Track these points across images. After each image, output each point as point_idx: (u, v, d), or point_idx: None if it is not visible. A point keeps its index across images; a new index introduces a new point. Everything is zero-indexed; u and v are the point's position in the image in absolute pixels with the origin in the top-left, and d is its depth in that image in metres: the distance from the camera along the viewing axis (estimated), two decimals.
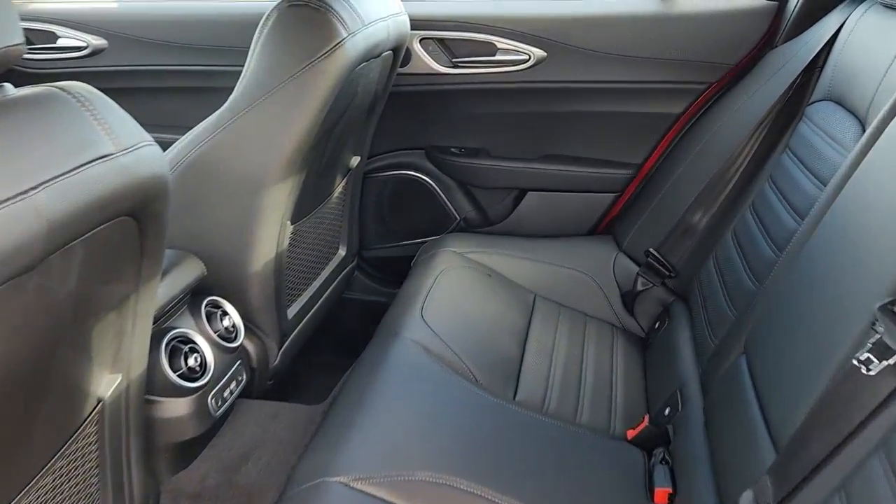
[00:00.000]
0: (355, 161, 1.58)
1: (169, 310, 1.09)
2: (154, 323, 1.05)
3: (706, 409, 1.14)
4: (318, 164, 1.31)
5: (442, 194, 1.83)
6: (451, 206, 1.84)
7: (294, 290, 1.41)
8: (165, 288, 1.07)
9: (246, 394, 1.28)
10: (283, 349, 1.34)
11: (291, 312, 1.39)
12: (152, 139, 0.71)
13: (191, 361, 1.06)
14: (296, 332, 1.41)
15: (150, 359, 1.00)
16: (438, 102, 1.71)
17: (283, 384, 1.46)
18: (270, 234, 1.21)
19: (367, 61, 1.25)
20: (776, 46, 1.49)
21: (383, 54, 1.36)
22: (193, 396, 1.05)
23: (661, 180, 1.60)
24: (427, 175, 1.82)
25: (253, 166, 1.13)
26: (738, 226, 1.33)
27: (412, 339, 1.30)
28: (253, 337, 1.28)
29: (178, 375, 1.04)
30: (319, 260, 1.54)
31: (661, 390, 1.32)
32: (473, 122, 1.72)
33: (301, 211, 1.34)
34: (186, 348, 1.07)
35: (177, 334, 1.08)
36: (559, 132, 1.70)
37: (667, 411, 1.24)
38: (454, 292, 1.47)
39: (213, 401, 1.10)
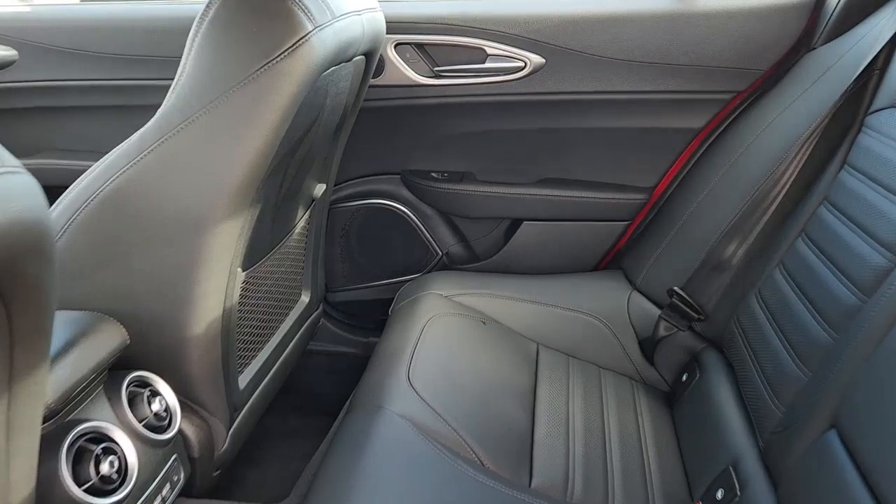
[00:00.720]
0: (320, 190, 1.32)
1: (75, 397, 0.80)
2: (51, 418, 0.76)
3: (783, 496, 0.90)
4: (275, 195, 1.05)
5: (421, 226, 1.58)
6: (431, 240, 1.59)
7: (246, 352, 1.13)
8: (69, 368, 0.79)
9: (185, 491, 0.99)
10: (232, 429, 1.06)
11: (244, 381, 1.10)
12: (20, 165, 0.45)
13: (104, 468, 0.78)
14: (249, 404, 1.13)
15: (44, 470, 0.72)
16: (417, 119, 1.46)
17: (234, 471, 1.17)
18: (216, 286, 0.94)
19: (337, 65, 0.99)
20: (814, 48, 1.28)
21: (355, 58, 1.10)
22: None
23: (680, 206, 1.38)
24: (403, 204, 1.57)
25: (190, 201, 0.86)
26: (788, 259, 1.11)
27: (399, 412, 1.03)
28: (193, 418, 0.99)
29: (87, 489, 0.75)
30: (278, 311, 1.26)
31: (706, 465, 1.07)
32: (458, 141, 1.48)
33: (255, 254, 1.07)
34: (99, 449, 0.79)
35: (85, 430, 0.79)
36: (559, 152, 1.46)
37: (719, 494, 1.00)
38: (445, 348, 1.21)
39: None
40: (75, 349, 0.82)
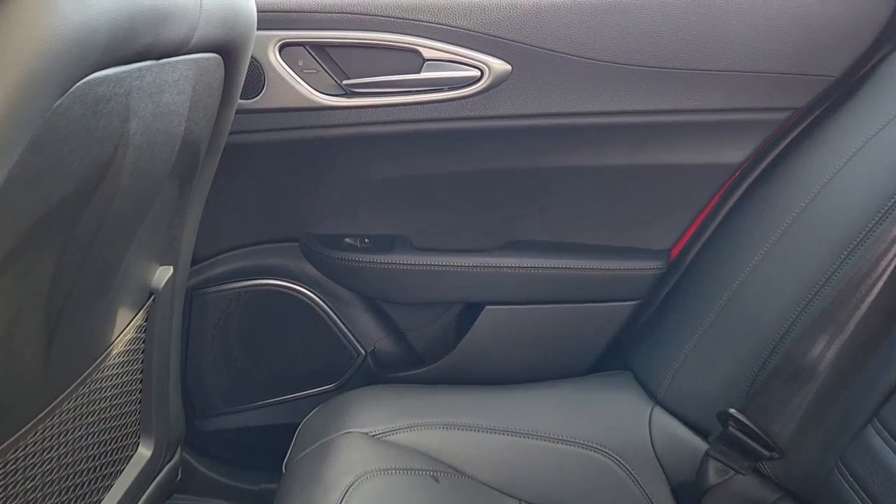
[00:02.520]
0: (164, 276, 0.84)
1: None
2: None
3: None
4: (41, 305, 0.56)
5: (333, 315, 1.13)
6: (349, 334, 1.14)
7: None
8: None
9: None
10: None
11: None
12: None
13: None
14: None
15: None
16: (319, 159, 1.02)
17: None
18: None
19: (140, 60, 0.53)
20: None
21: (195, 55, 0.64)
22: None
23: (718, 277, 0.97)
24: (305, 284, 1.13)
25: None
26: None
27: None
28: None
29: None
30: (82, 494, 0.76)
31: None
32: (382, 191, 1.05)
33: (5, 420, 0.56)
34: None
35: None
36: (535, 203, 1.05)
37: None
38: None
39: None
40: None
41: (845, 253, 0.81)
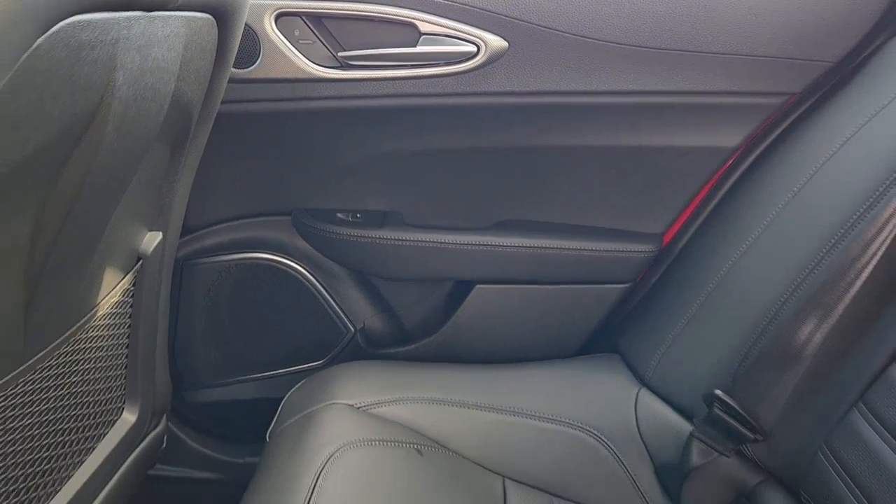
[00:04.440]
0: (153, 241, 0.83)
1: None
2: None
3: None
4: (20, 260, 0.55)
5: (323, 290, 1.12)
6: (338, 311, 1.13)
7: None
8: None
9: None
10: None
11: None
12: None
13: None
14: None
15: None
16: (313, 132, 1.00)
17: None
18: None
19: (127, 10, 0.53)
20: None
21: (187, 13, 0.64)
22: None
23: (709, 262, 0.96)
24: (296, 258, 1.11)
25: None
26: None
27: None
28: None
29: None
30: (65, 453, 0.76)
31: None
32: (376, 166, 1.02)
33: None
34: None
35: None
36: (529, 183, 1.02)
37: None
38: None
39: None
40: None
41: (835, 238, 0.80)
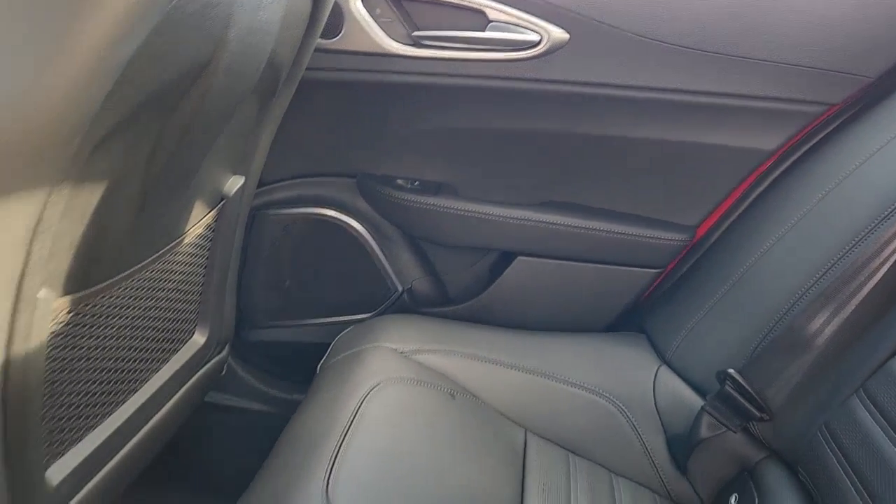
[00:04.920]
0: (235, 184, 0.92)
1: None
2: None
3: None
4: (138, 175, 0.65)
5: (378, 250, 1.19)
6: (390, 270, 1.20)
7: (66, 433, 0.71)
8: None
9: None
10: None
11: (59, 472, 0.69)
12: None
13: None
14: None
15: None
16: (384, 103, 1.07)
17: None
18: None
19: None
20: None
21: None
22: None
23: (736, 254, 1.01)
24: (357, 218, 1.18)
25: None
26: None
27: None
28: None
29: None
30: (143, 359, 0.85)
31: None
32: (437, 139, 1.09)
33: (93, 270, 0.66)
34: None
35: None
36: (575, 167, 1.08)
37: None
38: (390, 435, 0.82)
39: None
40: None
41: (853, 242, 0.85)
